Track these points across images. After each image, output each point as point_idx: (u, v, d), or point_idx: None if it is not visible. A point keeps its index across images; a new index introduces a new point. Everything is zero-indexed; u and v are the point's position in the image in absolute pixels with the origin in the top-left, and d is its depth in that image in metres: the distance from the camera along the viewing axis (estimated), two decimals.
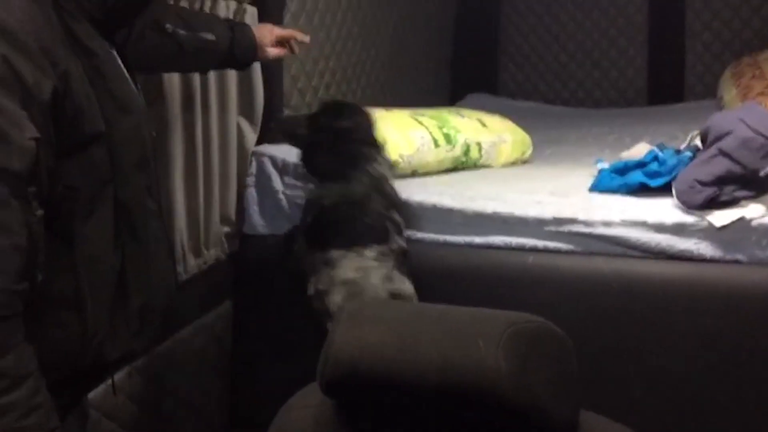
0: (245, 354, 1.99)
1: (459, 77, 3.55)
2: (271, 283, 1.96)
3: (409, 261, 1.69)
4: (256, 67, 1.97)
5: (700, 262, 1.66)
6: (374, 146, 1.77)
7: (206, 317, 1.93)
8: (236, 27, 1.66)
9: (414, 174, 2.07)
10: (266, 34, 1.71)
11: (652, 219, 1.69)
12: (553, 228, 1.76)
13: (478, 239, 1.82)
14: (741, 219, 1.63)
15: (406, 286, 1.64)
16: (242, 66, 1.74)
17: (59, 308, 1.04)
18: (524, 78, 3.67)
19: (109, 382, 1.31)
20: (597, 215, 1.74)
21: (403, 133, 2.06)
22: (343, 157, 1.71)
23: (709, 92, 3.23)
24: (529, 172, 2.23)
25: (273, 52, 1.73)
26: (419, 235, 1.84)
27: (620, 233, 1.70)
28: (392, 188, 1.75)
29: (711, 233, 1.64)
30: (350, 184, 1.68)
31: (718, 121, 1.85)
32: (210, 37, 1.57)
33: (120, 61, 1.14)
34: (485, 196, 1.88)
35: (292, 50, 1.80)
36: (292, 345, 1.85)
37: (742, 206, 1.66)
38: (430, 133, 2.10)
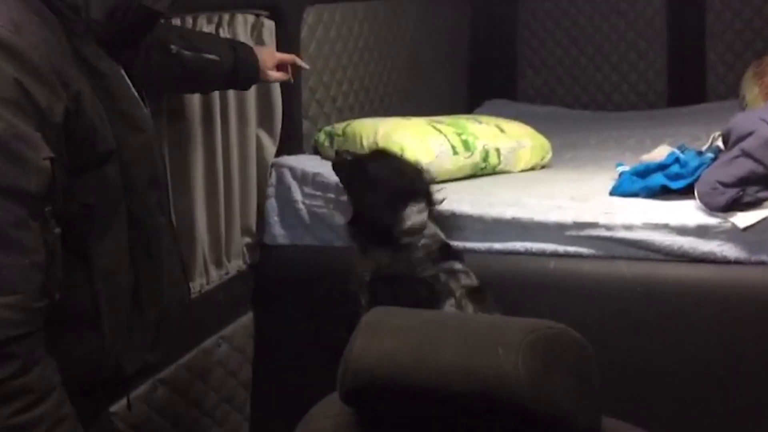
0: (266, 364, 2.00)
1: (477, 84, 3.55)
2: (291, 293, 1.96)
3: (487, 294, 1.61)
4: None
5: (724, 264, 1.64)
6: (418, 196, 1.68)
7: (228, 328, 1.94)
8: (238, 48, 1.68)
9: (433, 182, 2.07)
10: (268, 57, 1.75)
11: (674, 221, 1.67)
12: (573, 233, 1.75)
13: (497, 245, 1.82)
14: (765, 219, 1.60)
15: None
16: (244, 86, 1.77)
17: (77, 324, 1.06)
18: (543, 83, 3.65)
19: (135, 392, 1.32)
20: (618, 219, 1.72)
21: (421, 141, 2.06)
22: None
23: (732, 92, 3.19)
24: (548, 176, 2.22)
25: (274, 75, 1.77)
26: None
27: (642, 236, 1.69)
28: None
29: (735, 234, 1.62)
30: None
31: (741, 121, 1.82)
32: (213, 57, 1.60)
33: (128, 81, 1.16)
34: (504, 202, 1.87)
35: (293, 75, 1.84)
36: (313, 355, 1.85)
37: (766, 207, 1.64)
38: (449, 140, 2.10)
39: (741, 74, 3.07)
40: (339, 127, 2.20)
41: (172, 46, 1.54)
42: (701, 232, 1.65)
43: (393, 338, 0.94)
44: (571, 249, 1.75)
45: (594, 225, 1.73)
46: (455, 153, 2.09)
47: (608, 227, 1.72)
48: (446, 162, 2.08)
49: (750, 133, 1.72)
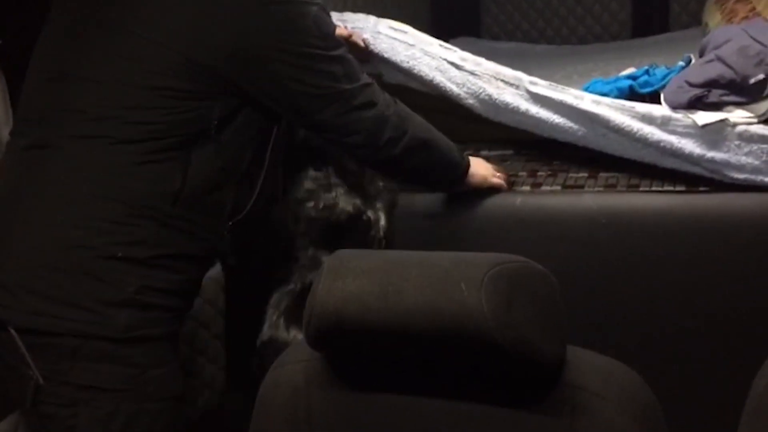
0: (238, 314, 2.00)
1: (440, 22, 3.49)
2: (258, 241, 1.95)
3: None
4: None
5: (687, 194, 1.67)
6: None
7: None
8: None
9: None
10: None
11: (642, 109, 1.69)
12: (544, 91, 1.74)
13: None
14: (724, 121, 1.62)
15: None
16: None
17: None
18: (507, 18, 3.60)
19: None
20: (589, 96, 1.75)
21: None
22: None
23: (694, 21, 3.18)
24: None
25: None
26: None
27: (606, 113, 1.69)
28: None
29: (694, 131, 1.64)
30: None
31: (720, 32, 1.84)
32: None
33: None
34: None
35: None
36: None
37: (727, 110, 1.65)
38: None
39: (703, 2, 3.06)
40: None
41: None
42: (664, 122, 1.67)
43: (357, 279, 0.94)
44: (533, 108, 1.74)
45: (564, 90, 1.74)
46: None
47: (577, 96, 1.73)
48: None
49: (727, 41, 1.73)
